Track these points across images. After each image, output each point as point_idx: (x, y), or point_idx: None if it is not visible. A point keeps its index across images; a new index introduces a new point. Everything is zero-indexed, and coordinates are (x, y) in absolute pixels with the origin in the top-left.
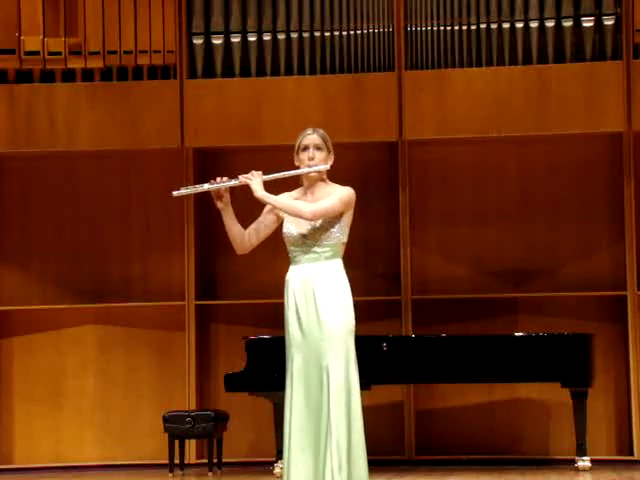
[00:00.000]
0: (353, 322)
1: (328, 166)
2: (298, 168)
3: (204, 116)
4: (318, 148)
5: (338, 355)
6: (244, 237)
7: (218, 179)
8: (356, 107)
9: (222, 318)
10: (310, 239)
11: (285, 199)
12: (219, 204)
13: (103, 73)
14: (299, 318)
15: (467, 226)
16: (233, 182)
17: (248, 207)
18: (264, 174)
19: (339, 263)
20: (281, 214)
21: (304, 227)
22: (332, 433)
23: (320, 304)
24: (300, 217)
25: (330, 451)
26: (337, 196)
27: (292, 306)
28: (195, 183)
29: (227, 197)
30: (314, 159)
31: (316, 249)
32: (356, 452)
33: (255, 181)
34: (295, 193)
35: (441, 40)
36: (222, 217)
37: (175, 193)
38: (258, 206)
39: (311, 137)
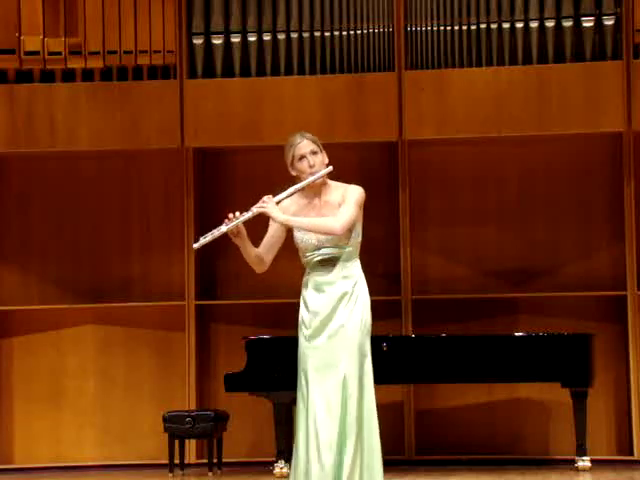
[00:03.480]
0: (370, 322)
1: (331, 168)
2: (296, 178)
3: (204, 116)
4: (314, 153)
5: (353, 357)
6: (261, 258)
7: (230, 215)
8: (356, 107)
9: (222, 318)
10: (327, 242)
11: (310, 220)
12: (237, 240)
13: (103, 73)
14: (317, 320)
15: (467, 226)
16: (248, 215)
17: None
18: (273, 195)
19: (357, 263)
20: None
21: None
22: (346, 436)
23: (341, 306)
24: (330, 234)
25: (345, 454)
26: (352, 200)
27: (311, 309)
28: (195, 183)
29: (243, 231)
30: (315, 165)
31: (334, 251)
32: (369, 455)
33: (270, 207)
34: (298, 198)
35: (441, 40)
36: (240, 248)
37: (195, 245)
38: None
39: (303, 144)
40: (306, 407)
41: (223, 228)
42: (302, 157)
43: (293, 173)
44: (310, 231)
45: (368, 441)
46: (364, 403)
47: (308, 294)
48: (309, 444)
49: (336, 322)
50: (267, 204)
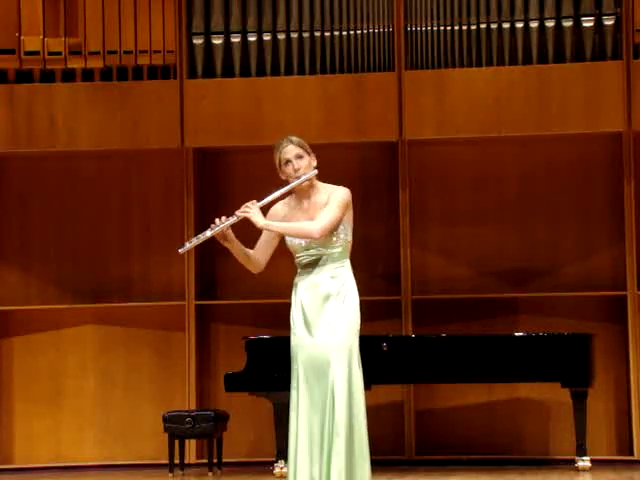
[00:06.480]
0: (359, 323)
1: (316, 171)
2: (286, 182)
3: (204, 116)
4: (299, 157)
5: (342, 356)
6: (256, 260)
7: (217, 221)
8: (356, 107)
9: (222, 318)
10: (316, 243)
11: (288, 224)
12: (226, 244)
13: (103, 73)
14: (306, 319)
15: (467, 226)
16: (232, 220)
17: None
18: (257, 201)
19: (347, 263)
20: None
21: None
22: (335, 434)
23: (328, 305)
24: (309, 238)
25: (335, 452)
26: (335, 203)
27: (299, 308)
28: (195, 183)
29: (231, 234)
30: (300, 169)
31: (323, 252)
32: (358, 453)
33: (253, 212)
34: (290, 200)
35: (441, 40)
36: (231, 251)
37: (181, 250)
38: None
39: (289, 149)
40: (297, 404)
41: (208, 233)
42: (287, 161)
43: (282, 176)
44: (290, 235)
45: (359, 443)
46: (353, 402)
47: (297, 294)
48: (297, 439)
49: (324, 322)
50: (250, 209)
